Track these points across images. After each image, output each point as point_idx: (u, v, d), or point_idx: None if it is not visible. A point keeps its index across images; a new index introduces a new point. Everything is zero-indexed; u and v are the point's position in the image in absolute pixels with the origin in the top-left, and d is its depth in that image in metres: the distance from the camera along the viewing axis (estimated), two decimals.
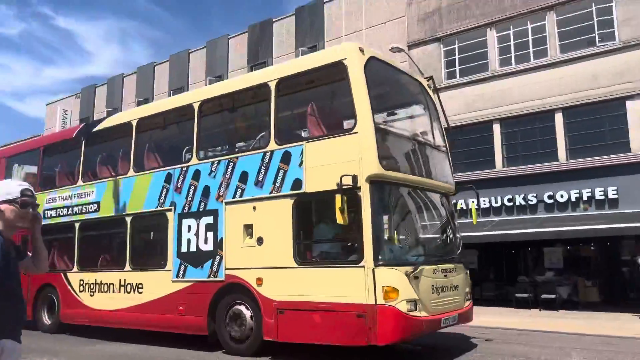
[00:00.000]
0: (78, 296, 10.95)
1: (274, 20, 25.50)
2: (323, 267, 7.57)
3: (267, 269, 7.98)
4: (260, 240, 8.14)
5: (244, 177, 8.52)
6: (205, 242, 8.88)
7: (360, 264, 7.02)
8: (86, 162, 11.55)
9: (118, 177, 10.67)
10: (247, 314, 8.19)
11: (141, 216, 10.18)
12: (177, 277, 9.19)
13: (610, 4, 17.01)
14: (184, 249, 9.18)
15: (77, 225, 11.24)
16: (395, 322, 6.82)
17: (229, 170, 8.73)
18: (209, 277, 8.72)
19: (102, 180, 11.02)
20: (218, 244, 8.69)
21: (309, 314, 7.43)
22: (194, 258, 9.00)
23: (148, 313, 9.54)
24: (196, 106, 9.43)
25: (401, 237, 7.79)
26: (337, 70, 7.84)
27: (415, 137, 8.65)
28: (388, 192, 7.61)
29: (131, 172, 10.35)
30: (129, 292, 9.98)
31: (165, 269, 9.41)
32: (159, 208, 9.71)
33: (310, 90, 8.74)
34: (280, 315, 7.73)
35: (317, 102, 8.32)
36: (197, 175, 9.19)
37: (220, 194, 8.79)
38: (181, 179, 9.41)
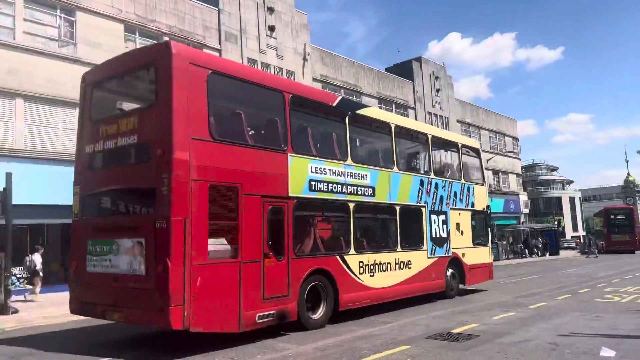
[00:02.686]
0: (358, 278, 10.64)
1: None
2: (479, 247, 15.57)
3: (465, 248, 14.78)
4: (462, 233, 14.68)
5: (454, 194, 14.53)
6: (443, 232, 13.76)
7: (486, 246, 16.01)
8: (352, 142, 10.97)
9: (389, 170, 11.86)
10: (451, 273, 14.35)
11: (406, 207, 12.39)
12: (430, 254, 13.14)
13: None
14: (433, 235, 13.33)
15: (351, 205, 10.67)
16: None
17: (449, 188, 14.27)
18: (445, 253, 13.76)
19: (375, 167, 11.44)
20: (448, 233, 13.97)
21: (476, 269, 15.25)
22: (438, 241, 13.51)
23: (413, 283, 12.43)
24: (429, 137, 13.75)
25: None
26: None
27: None
28: None
29: (395, 169, 12.17)
30: (401, 269, 12.01)
31: (423, 249, 12.91)
32: (418, 204, 12.84)
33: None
34: (469, 272, 14.84)
35: None
36: (436, 186, 13.68)
37: (448, 202, 14.11)
38: (427, 186, 13.34)
